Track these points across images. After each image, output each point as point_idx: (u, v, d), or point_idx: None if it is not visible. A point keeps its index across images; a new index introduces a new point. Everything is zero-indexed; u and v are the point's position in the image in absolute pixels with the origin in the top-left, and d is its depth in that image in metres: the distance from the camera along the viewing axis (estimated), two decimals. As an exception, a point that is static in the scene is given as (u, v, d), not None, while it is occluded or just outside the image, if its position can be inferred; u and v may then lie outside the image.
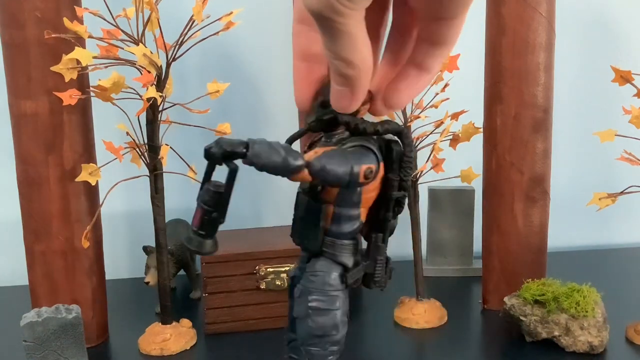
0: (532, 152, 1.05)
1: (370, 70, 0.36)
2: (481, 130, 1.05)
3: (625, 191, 0.95)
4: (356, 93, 0.37)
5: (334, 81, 0.36)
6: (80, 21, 0.90)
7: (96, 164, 0.97)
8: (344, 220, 0.60)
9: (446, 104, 1.00)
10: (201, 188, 0.52)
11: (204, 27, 0.91)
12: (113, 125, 0.94)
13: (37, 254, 0.96)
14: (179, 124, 0.97)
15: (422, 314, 1.05)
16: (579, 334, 0.94)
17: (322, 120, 0.60)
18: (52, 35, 0.86)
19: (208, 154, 0.50)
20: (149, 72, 0.88)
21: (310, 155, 0.52)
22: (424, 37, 0.36)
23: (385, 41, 0.40)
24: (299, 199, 0.61)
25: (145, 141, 0.95)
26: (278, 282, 1.01)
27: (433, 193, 1.27)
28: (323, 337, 0.64)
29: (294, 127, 0.72)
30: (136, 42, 0.89)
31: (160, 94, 0.90)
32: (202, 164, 0.45)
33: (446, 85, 1.01)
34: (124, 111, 0.92)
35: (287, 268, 1.00)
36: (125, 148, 0.94)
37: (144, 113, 0.91)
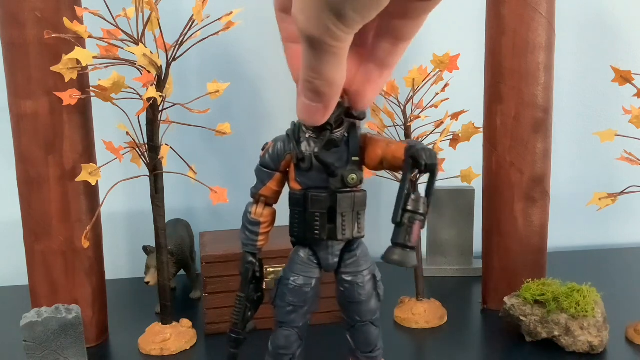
0: (532, 152, 1.05)
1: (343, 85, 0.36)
2: (481, 130, 1.05)
3: (625, 191, 0.95)
4: (330, 108, 0.36)
5: (306, 97, 0.35)
6: (80, 21, 0.90)
7: (96, 164, 0.97)
8: None
9: (446, 104, 1.00)
10: (402, 209, 0.61)
11: (204, 27, 0.91)
12: (113, 125, 0.94)
13: (37, 254, 0.96)
14: (179, 124, 0.97)
15: (422, 314, 1.05)
16: (579, 334, 0.94)
17: (337, 122, 0.68)
18: (52, 35, 0.86)
19: (427, 165, 0.63)
20: (149, 72, 0.88)
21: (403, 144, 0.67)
22: (386, 34, 0.36)
23: None
24: (331, 200, 0.70)
25: (145, 141, 0.95)
26: (278, 282, 1.01)
27: (433, 194, 1.27)
28: (382, 301, 0.77)
29: (294, 127, 0.73)
30: (136, 42, 0.89)
31: (160, 94, 0.90)
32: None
33: (446, 85, 1.01)
34: (124, 111, 0.92)
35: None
36: (125, 148, 0.94)
37: (144, 113, 0.91)
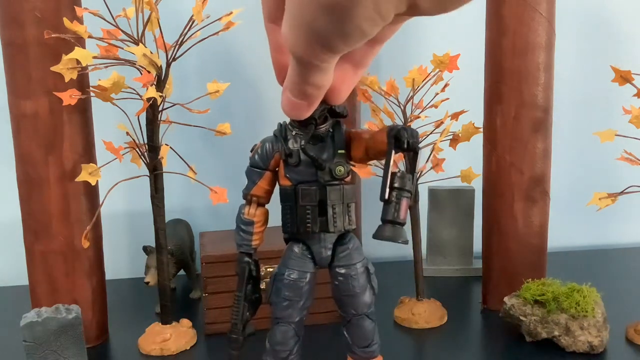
0: (532, 152, 1.05)
1: None
2: (481, 130, 1.05)
3: (625, 191, 0.95)
4: (314, 105, 0.38)
5: (293, 95, 0.36)
6: (80, 21, 0.90)
7: (96, 164, 0.97)
8: None
9: (446, 104, 1.00)
10: (389, 187, 0.62)
11: (204, 27, 0.91)
12: (113, 125, 0.94)
13: (37, 254, 0.96)
14: (179, 124, 0.97)
15: (422, 314, 1.05)
16: (579, 334, 0.93)
17: (321, 117, 0.70)
18: (52, 35, 0.86)
19: (409, 143, 0.65)
20: (149, 72, 0.88)
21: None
22: None
23: None
24: (321, 193, 0.72)
25: (145, 141, 0.95)
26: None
27: (433, 193, 1.27)
28: (376, 295, 0.78)
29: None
30: (136, 42, 0.89)
31: (160, 94, 0.90)
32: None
33: (446, 85, 1.01)
34: (124, 111, 0.92)
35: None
36: (125, 148, 0.94)
37: (144, 113, 0.91)
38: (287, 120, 0.75)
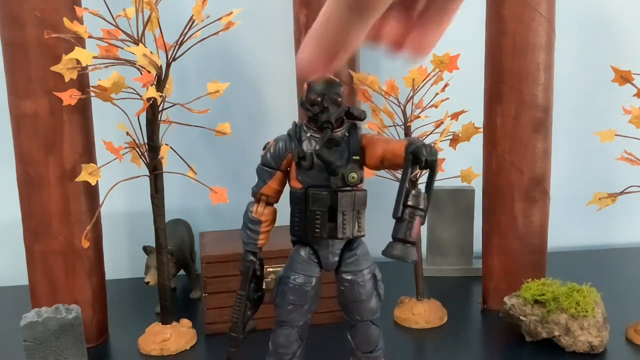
0: (532, 152, 1.05)
1: None
2: (481, 130, 1.05)
3: (625, 191, 0.95)
4: (333, 64, 0.34)
5: (318, 45, 0.31)
6: (80, 21, 0.90)
7: (96, 164, 0.97)
8: None
9: (446, 104, 1.00)
10: (402, 204, 0.61)
11: (204, 27, 0.91)
12: (113, 125, 0.94)
13: (37, 254, 0.96)
14: (179, 124, 0.97)
15: (422, 313, 1.05)
16: (579, 334, 0.93)
17: (337, 119, 0.69)
18: (52, 35, 0.86)
19: (428, 162, 0.64)
20: (149, 72, 0.88)
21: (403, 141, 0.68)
22: None
23: None
24: (332, 199, 0.71)
25: (145, 141, 0.95)
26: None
27: (433, 193, 1.26)
28: (382, 301, 0.77)
29: (294, 127, 0.73)
30: (136, 42, 0.89)
31: (160, 94, 0.90)
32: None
33: (446, 85, 1.01)
34: (124, 111, 0.92)
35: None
36: (125, 148, 0.94)
37: (144, 113, 0.91)
38: (297, 119, 0.74)
